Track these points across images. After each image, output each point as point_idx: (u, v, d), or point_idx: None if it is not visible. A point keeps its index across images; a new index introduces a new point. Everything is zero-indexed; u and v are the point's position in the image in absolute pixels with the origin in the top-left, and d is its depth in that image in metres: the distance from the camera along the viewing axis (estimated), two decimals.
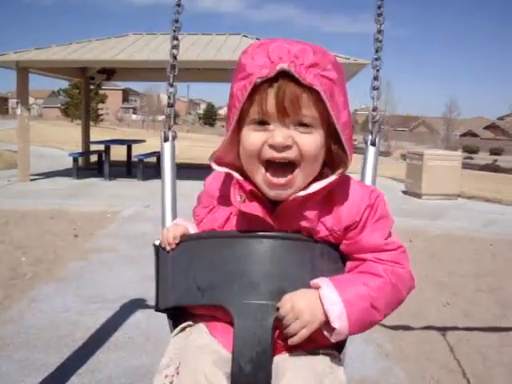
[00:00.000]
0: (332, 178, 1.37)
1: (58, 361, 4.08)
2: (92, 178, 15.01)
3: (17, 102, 13.98)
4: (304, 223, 1.40)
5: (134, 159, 15.92)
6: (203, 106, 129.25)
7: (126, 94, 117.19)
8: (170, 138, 2.09)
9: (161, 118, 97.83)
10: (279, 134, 1.30)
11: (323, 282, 1.35)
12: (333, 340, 1.37)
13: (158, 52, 13.80)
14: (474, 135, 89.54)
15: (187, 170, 16.92)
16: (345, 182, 1.45)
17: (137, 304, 5.31)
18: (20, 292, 5.59)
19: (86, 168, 16.80)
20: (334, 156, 1.40)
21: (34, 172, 14.42)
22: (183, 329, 1.57)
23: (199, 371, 1.31)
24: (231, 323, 1.36)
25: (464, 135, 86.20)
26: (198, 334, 1.47)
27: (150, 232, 8.59)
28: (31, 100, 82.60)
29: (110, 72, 18.05)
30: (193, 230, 1.62)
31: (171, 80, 2.15)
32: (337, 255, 1.46)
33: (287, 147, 1.31)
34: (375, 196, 1.46)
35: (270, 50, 1.29)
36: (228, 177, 1.49)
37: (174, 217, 1.94)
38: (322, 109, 1.31)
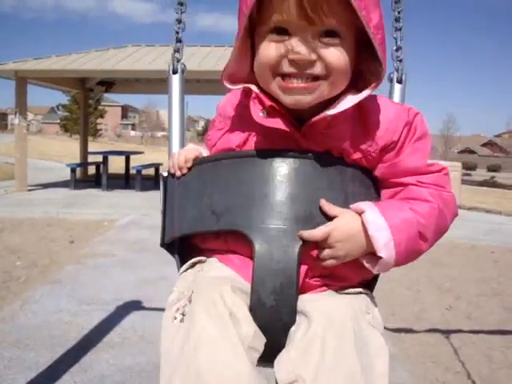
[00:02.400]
0: (366, 93, 1.21)
1: (50, 360, 3.95)
2: (90, 188, 14.91)
3: (15, 113, 13.92)
4: (335, 143, 1.24)
5: (131, 171, 15.86)
6: (202, 123, 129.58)
7: (125, 111, 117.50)
8: (179, 71, 1.96)
9: (160, 134, 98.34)
10: (301, 46, 1.11)
11: (367, 206, 1.21)
12: (375, 271, 1.25)
13: (158, 62, 13.80)
14: (472, 152, 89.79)
15: None
16: (378, 99, 1.31)
17: (132, 306, 5.19)
18: (13, 294, 5.46)
19: (83, 179, 16.72)
20: (365, 66, 1.24)
21: (31, 183, 14.31)
22: (193, 265, 1.40)
23: (217, 296, 1.14)
24: (250, 257, 1.21)
25: (462, 152, 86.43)
26: (213, 266, 1.31)
27: (147, 239, 8.50)
28: (30, 116, 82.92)
29: (109, 84, 18.04)
30: (206, 154, 1.47)
31: (180, 11, 1.95)
32: (370, 182, 1.32)
33: (311, 63, 1.14)
34: (413, 113, 1.32)
35: None
36: (244, 96, 1.33)
37: (182, 146, 1.77)
38: (350, 12, 1.11)
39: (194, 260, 1.39)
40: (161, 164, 16.95)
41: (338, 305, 1.20)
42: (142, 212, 10.98)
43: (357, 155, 1.27)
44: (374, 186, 1.33)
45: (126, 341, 4.39)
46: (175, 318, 1.23)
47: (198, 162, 1.39)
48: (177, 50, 1.96)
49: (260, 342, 1.16)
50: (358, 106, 1.22)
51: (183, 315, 1.20)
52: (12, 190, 13.56)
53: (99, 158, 15.62)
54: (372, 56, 1.20)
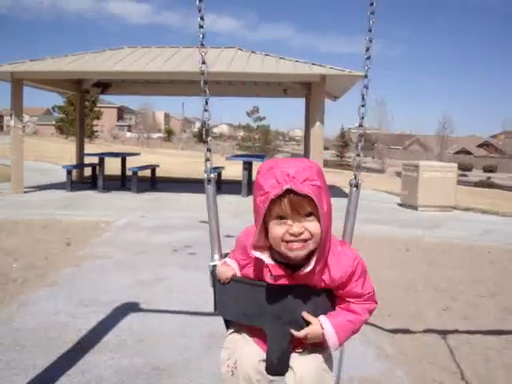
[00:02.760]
0: (315, 257, 1.97)
1: (47, 362, 3.95)
2: (86, 190, 14.88)
3: (11, 114, 13.90)
4: (310, 280, 2.05)
5: (128, 172, 15.83)
6: (198, 125, 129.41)
7: (121, 112, 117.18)
8: (212, 181, 2.49)
9: (156, 135, 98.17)
10: (296, 226, 1.91)
11: (325, 324, 2.06)
12: (327, 349, 2.17)
13: (153, 63, 13.80)
14: (468, 153, 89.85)
15: (182, 184, 16.94)
16: (335, 250, 2.07)
17: (129, 307, 5.20)
18: (10, 296, 5.46)
19: (80, 181, 16.68)
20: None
21: (27, 185, 14.28)
22: (233, 332, 2.26)
23: (249, 368, 2.13)
24: (263, 333, 2.13)
25: (458, 153, 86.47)
26: (245, 341, 2.20)
27: (144, 240, 8.51)
28: (26, 117, 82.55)
29: (104, 85, 18.04)
30: (237, 271, 2.22)
31: (207, 128, 2.57)
32: (331, 297, 2.13)
33: (301, 233, 1.92)
34: (356, 263, 2.08)
35: (277, 174, 1.90)
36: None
37: (219, 249, 2.43)
38: (315, 205, 1.89)
39: (234, 329, 2.27)
40: (157, 165, 16.94)
41: (309, 362, 2.12)
42: (138, 213, 10.98)
43: (322, 286, 2.08)
44: (330, 299, 2.13)
45: (124, 343, 4.39)
46: (228, 372, 2.18)
47: (235, 279, 2.19)
48: (208, 159, 2.52)
49: None
50: (323, 258, 2.01)
51: (233, 373, 2.16)
52: (8, 191, 13.52)
53: (95, 160, 15.59)
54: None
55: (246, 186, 14.38)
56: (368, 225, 10.14)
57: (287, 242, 1.94)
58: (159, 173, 17.35)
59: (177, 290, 5.90)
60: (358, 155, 2.50)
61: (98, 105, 65.97)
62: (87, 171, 17.36)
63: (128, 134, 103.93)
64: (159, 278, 6.33)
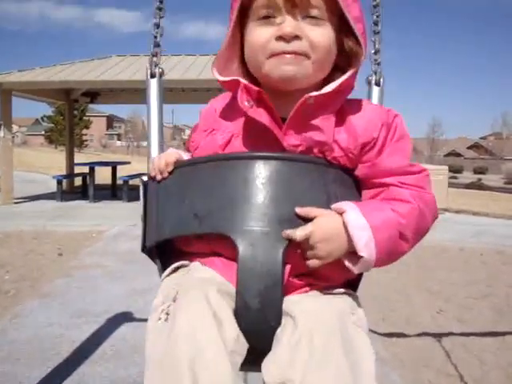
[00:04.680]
0: (348, 74, 1.28)
1: (42, 374, 3.92)
2: (77, 200, 14.83)
3: (0, 125, 13.84)
4: (317, 136, 1.26)
5: (118, 181, 15.80)
6: (188, 132, 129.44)
7: (111, 121, 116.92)
8: (157, 75, 2.00)
9: (145, 143, 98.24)
10: (288, 23, 1.21)
11: (348, 206, 1.22)
12: (356, 271, 1.27)
13: (142, 72, 13.72)
14: (458, 155, 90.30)
15: None
16: (358, 101, 1.36)
17: (123, 317, 5.17)
18: (2, 308, 5.42)
19: (70, 191, 16.63)
20: (347, 53, 1.31)
21: (17, 196, 14.21)
22: (176, 269, 1.39)
23: (202, 296, 1.15)
24: (233, 259, 1.20)
25: (448, 155, 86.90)
26: (197, 269, 1.32)
27: (136, 249, 8.41)
28: (15, 128, 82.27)
29: (93, 94, 18.01)
30: (187, 157, 1.48)
31: (158, 16, 1.97)
32: (352, 182, 1.33)
33: (297, 37, 1.22)
34: (393, 114, 1.37)
35: None
36: (228, 98, 1.41)
37: (162, 151, 1.76)
38: (333, 2, 1.24)
39: (176, 264, 1.39)
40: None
41: (323, 306, 1.22)
42: (130, 222, 10.93)
43: (337, 153, 1.29)
44: (355, 186, 1.34)
45: (118, 353, 4.37)
46: (159, 319, 1.22)
47: (179, 165, 1.39)
48: (154, 55, 1.97)
49: (242, 347, 1.17)
50: (340, 106, 1.29)
51: (167, 314, 1.20)
52: None
53: (85, 169, 15.55)
54: (355, 44, 1.30)
55: None
56: None
57: (273, 54, 1.25)
58: None
59: None
60: (377, 32, 1.86)
61: (87, 114, 65.83)
62: (77, 181, 17.31)
63: (118, 143, 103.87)
64: (152, 287, 6.26)
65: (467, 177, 62.35)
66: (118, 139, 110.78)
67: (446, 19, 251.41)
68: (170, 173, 1.41)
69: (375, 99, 1.85)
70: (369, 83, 1.88)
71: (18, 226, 10.27)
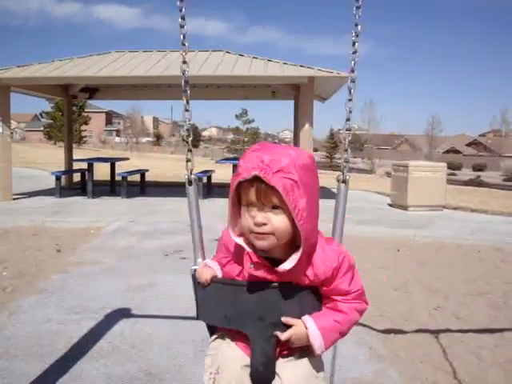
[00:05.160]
0: (299, 254, 1.88)
1: (40, 370, 3.93)
2: (75, 196, 14.82)
3: None
4: (294, 277, 1.94)
5: (117, 177, 15.78)
6: (185, 127, 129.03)
7: (110, 117, 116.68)
8: (193, 183, 2.38)
9: (145, 139, 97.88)
10: (258, 216, 1.85)
11: (309, 323, 1.94)
12: (315, 353, 2.00)
13: (141, 68, 13.77)
14: (457, 152, 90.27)
15: (172, 188, 16.92)
16: (320, 246, 1.97)
17: (121, 313, 5.18)
18: (0, 304, 5.42)
19: (69, 187, 16.61)
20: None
21: (16, 192, 14.21)
22: (217, 337, 2.14)
23: (232, 376, 1.98)
24: (247, 337, 1.99)
25: (447, 152, 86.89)
26: (229, 345, 2.07)
27: (134, 245, 8.48)
28: (14, 124, 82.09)
29: (92, 90, 17.98)
30: (219, 272, 2.12)
31: (187, 128, 2.48)
32: (317, 295, 2.02)
33: (264, 224, 1.84)
34: (342, 258, 1.98)
35: (253, 158, 1.84)
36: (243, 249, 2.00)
37: (203, 253, 2.40)
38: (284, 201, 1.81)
39: (217, 335, 2.14)
40: (146, 170, 16.91)
41: (298, 371, 1.99)
42: (128, 219, 10.95)
43: (307, 282, 1.96)
44: (317, 297, 2.02)
45: (116, 349, 4.37)
46: (210, 379, 2.03)
47: (215, 281, 2.08)
48: (189, 160, 2.38)
49: None
50: (308, 255, 1.92)
51: (215, 380, 2.02)
52: None
53: (84, 166, 15.53)
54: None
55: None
56: (358, 225, 10.18)
57: (252, 232, 1.87)
58: (149, 177, 17.32)
59: (168, 295, 5.88)
60: (346, 150, 2.42)
61: (86, 110, 65.71)
62: (76, 177, 17.31)
63: (117, 139, 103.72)
64: (150, 283, 6.31)
65: (466, 174, 62.41)
66: (117, 135, 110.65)
67: (446, 15, 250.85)
68: (209, 284, 2.09)
69: (341, 194, 2.40)
70: (338, 181, 2.42)
71: (17, 222, 10.27)
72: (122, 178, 14.74)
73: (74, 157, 18.01)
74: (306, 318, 1.95)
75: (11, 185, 13.80)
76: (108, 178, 16.72)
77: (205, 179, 15.41)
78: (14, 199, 13.72)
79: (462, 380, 4.04)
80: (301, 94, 14.02)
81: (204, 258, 2.33)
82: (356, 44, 2.46)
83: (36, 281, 6.34)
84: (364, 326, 4.94)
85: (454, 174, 53.77)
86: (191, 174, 2.37)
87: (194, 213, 2.39)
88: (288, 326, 1.95)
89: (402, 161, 16.22)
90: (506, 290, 6.39)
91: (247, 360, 2.00)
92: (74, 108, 41.57)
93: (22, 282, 6.27)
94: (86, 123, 63.46)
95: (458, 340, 4.80)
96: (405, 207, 13.21)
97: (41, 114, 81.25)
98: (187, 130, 2.46)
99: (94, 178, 14.97)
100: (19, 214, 11.47)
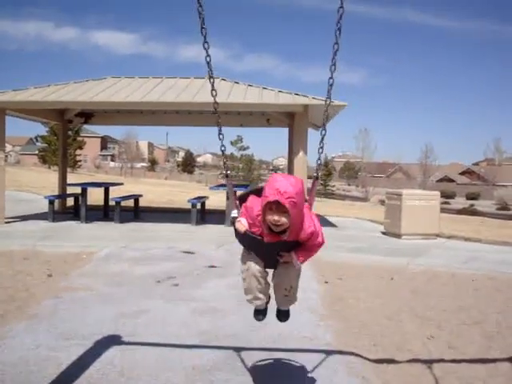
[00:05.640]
0: (287, 234, 3.34)
1: None
2: (68, 221, 14.75)
3: None
4: (288, 238, 3.35)
5: (111, 202, 15.74)
6: (182, 154, 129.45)
7: (105, 142, 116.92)
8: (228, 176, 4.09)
9: (139, 165, 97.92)
10: (275, 217, 3.21)
11: (294, 256, 3.48)
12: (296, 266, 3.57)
13: (136, 94, 13.82)
14: (451, 180, 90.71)
15: (166, 214, 16.90)
16: (307, 217, 3.43)
17: (111, 340, 5.11)
18: None
19: (62, 212, 16.55)
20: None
21: (8, 215, 14.12)
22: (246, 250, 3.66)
23: (255, 268, 3.56)
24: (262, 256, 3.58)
25: (440, 180, 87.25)
26: (252, 256, 3.57)
27: (126, 271, 8.42)
28: (8, 147, 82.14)
29: (88, 115, 18.02)
30: (247, 226, 3.49)
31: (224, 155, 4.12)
32: (297, 245, 3.45)
33: (278, 221, 3.23)
34: (317, 229, 3.44)
35: (275, 187, 3.16)
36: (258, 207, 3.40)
37: (236, 205, 3.75)
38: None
39: (248, 250, 3.67)
40: (140, 195, 16.89)
41: (285, 268, 3.62)
42: (121, 244, 10.89)
43: (294, 238, 3.37)
44: (297, 245, 3.45)
45: (105, 377, 4.31)
46: (244, 254, 3.64)
47: (247, 234, 3.46)
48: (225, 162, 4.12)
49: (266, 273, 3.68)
50: (297, 229, 3.39)
51: (249, 253, 3.60)
52: None
53: (78, 190, 15.49)
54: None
55: (229, 215, 14.35)
56: (352, 253, 10.13)
57: (273, 224, 3.27)
58: (142, 203, 17.28)
59: (160, 322, 5.82)
60: (321, 148, 3.74)
61: (82, 134, 65.83)
62: (70, 201, 17.25)
63: (111, 164, 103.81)
64: (142, 310, 6.25)
65: (459, 202, 62.59)
66: (112, 160, 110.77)
67: (439, 46, 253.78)
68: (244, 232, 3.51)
69: (314, 189, 3.76)
70: (312, 177, 3.86)
71: (8, 246, 10.20)
72: (116, 203, 14.70)
73: (68, 181, 17.97)
74: (292, 253, 3.49)
75: (4, 208, 13.74)
76: (102, 202, 16.70)
77: (199, 205, 15.37)
78: (6, 223, 13.64)
79: None
80: (295, 122, 14.10)
81: (237, 208, 3.68)
82: (329, 92, 3.72)
83: (26, 306, 6.26)
84: (356, 355, 4.90)
85: (447, 203, 53.91)
86: (227, 170, 4.05)
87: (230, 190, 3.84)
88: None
89: (396, 189, 16.23)
90: (499, 320, 6.36)
91: (262, 264, 3.60)
92: (70, 132, 41.62)
93: (12, 306, 6.20)
94: (80, 148, 63.48)
95: (452, 370, 4.75)
96: (398, 235, 13.21)
97: (36, 138, 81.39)
98: (222, 151, 4.12)
99: (88, 203, 14.92)
100: (11, 237, 11.40)
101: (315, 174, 3.75)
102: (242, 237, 3.51)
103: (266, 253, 3.48)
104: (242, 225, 3.50)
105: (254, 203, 3.44)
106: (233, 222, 3.60)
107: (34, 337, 5.17)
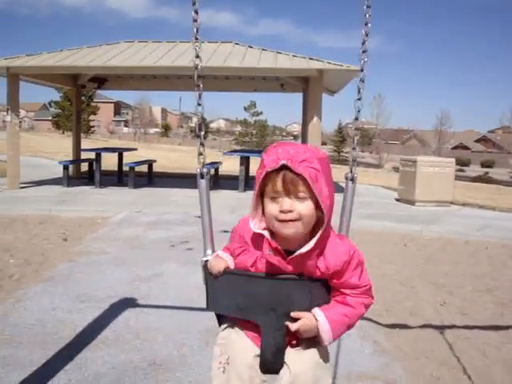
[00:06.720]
0: (317, 236, 1.97)
1: (44, 358, 3.94)
2: (82, 186, 14.84)
3: (7, 109, 13.82)
4: (306, 267, 2.03)
5: (125, 168, 15.80)
6: (195, 120, 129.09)
7: (118, 107, 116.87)
8: (205, 176, 2.42)
9: (153, 130, 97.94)
10: (285, 203, 1.94)
11: (319, 316, 2.02)
12: (323, 344, 2.09)
13: (150, 58, 13.74)
14: (466, 148, 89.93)
15: (179, 180, 16.92)
16: (333, 240, 2.06)
17: (126, 302, 5.18)
18: (6, 292, 5.44)
19: (76, 177, 16.64)
20: (318, 219, 2.00)
21: (23, 181, 14.24)
22: (226, 327, 2.19)
23: (243, 364, 2.06)
24: (257, 327, 2.07)
25: (455, 148, 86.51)
26: (238, 335, 2.13)
27: (141, 235, 8.48)
28: (22, 113, 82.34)
29: (101, 80, 17.96)
30: (231, 263, 2.16)
31: (199, 122, 2.52)
32: (326, 287, 2.09)
33: (291, 211, 1.93)
34: (352, 252, 2.07)
35: (278, 152, 1.96)
36: (256, 233, 2.07)
37: (212, 245, 2.39)
38: (310, 187, 1.92)
39: (226, 324, 2.19)
40: (154, 161, 16.92)
41: (305, 362, 2.06)
42: (135, 209, 10.95)
43: (318, 274, 2.05)
44: (326, 290, 2.10)
45: (121, 338, 4.37)
46: (219, 368, 2.09)
47: (228, 272, 2.13)
48: (201, 153, 2.43)
49: None
50: (321, 245, 2.01)
51: (224, 369, 2.08)
52: (4, 187, 13.48)
53: (92, 155, 15.54)
54: (321, 215, 1.98)
55: (243, 181, 14.39)
56: (365, 220, 10.14)
57: (279, 220, 1.96)
58: (156, 168, 17.32)
59: (174, 285, 5.88)
60: (354, 149, 2.50)
61: (95, 100, 65.88)
62: (84, 167, 17.33)
63: (125, 130, 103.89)
64: (156, 273, 6.31)
65: (474, 170, 62.20)
66: (125, 126, 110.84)
67: (458, 12, 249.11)
68: (221, 275, 2.14)
69: (349, 192, 2.46)
70: (346, 178, 2.47)
71: (24, 211, 10.30)
72: (130, 168, 14.74)
73: (82, 146, 18.02)
74: (317, 311, 2.04)
75: (19, 173, 13.84)
76: (115, 168, 16.75)
77: (212, 171, 15.38)
78: (22, 188, 13.75)
79: (467, 376, 4.01)
80: (310, 87, 13.96)
81: (214, 250, 2.34)
82: (366, 43, 2.50)
83: (42, 269, 6.35)
84: (369, 320, 4.92)
85: (462, 171, 53.58)
86: (203, 167, 2.43)
87: (204, 205, 2.43)
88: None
89: (411, 156, 16.11)
90: None
91: (257, 350, 2.09)
92: (83, 98, 41.61)
93: (29, 270, 6.28)
94: (94, 113, 63.68)
95: (464, 336, 4.78)
96: (412, 202, 13.16)
97: (49, 104, 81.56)
98: (199, 124, 2.50)
99: (102, 168, 14.98)
100: (26, 202, 11.50)
101: (349, 173, 2.48)
102: (217, 283, 2.14)
103: (264, 313, 2.04)
104: (219, 259, 2.17)
105: (246, 221, 2.11)
106: (204, 266, 2.21)
107: (50, 299, 5.25)
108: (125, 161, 16.32)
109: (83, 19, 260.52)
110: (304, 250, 1.97)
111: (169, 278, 6.18)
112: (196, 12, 2.51)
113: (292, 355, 2.07)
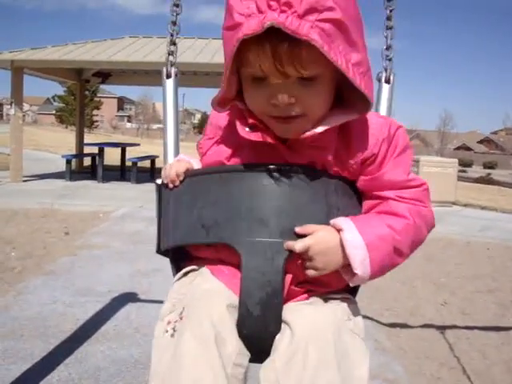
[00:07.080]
0: (351, 117, 1.26)
1: (45, 351, 3.93)
2: (85, 180, 14.86)
3: (11, 103, 13.85)
4: (319, 155, 1.28)
5: (127, 163, 15.82)
6: (198, 116, 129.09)
7: (121, 103, 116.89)
8: (173, 75, 2.00)
9: (156, 126, 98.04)
10: (281, 94, 1.17)
11: (345, 224, 1.24)
12: (351, 284, 1.29)
13: (154, 53, 13.73)
14: (468, 149, 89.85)
15: None
16: (360, 120, 1.32)
17: (127, 297, 5.18)
18: (7, 285, 5.44)
19: (79, 171, 16.66)
20: (350, 92, 1.24)
21: (26, 174, 14.26)
22: (186, 273, 1.45)
23: (205, 316, 1.21)
24: (238, 266, 1.26)
25: (458, 149, 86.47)
26: (204, 278, 1.35)
27: (142, 231, 8.48)
28: (26, 106, 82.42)
29: (105, 75, 17.97)
30: (197, 165, 1.51)
31: (175, 13, 2.04)
32: (352, 192, 1.34)
33: (290, 104, 1.19)
34: (395, 127, 1.34)
35: None
36: (233, 112, 1.35)
37: (177, 154, 1.86)
38: (326, 59, 1.11)
39: (186, 269, 1.45)
40: (157, 156, 16.93)
41: (320, 317, 1.24)
42: (137, 204, 10.96)
43: (338, 167, 1.30)
44: (356, 196, 1.36)
45: (121, 332, 4.37)
46: (166, 332, 1.28)
47: (189, 174, 1.43)
48: (171, 53, 2.00)
49: (244, 357, 1.24)
50: (347, 124, 1.29)
51: (174, 330, 1.26)
52: (7, 180, 13.50)
53: (95, 150, 15.55)
54: (353, 93, 1.24)
55: None
56: None
57: (272, 117, 1.23)
58: (159, 163, 17.32)
59: None
60: (390, 27, 1.87)
61: (99, 95, 65.91)
62: (87, 161, 17.34)
63: (128, 125, 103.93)
64: (157, 268, 6.29)
65: (476, 171, 62.08)
66: (129, 121, 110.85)
67: (462, 12, 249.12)
68: (182, 181, 1.45)
69: (385, 97, 1.84)
70: (379, 80, 1.86)
71: (26, 204, 10.30)
72: (133, 163, 14.76)
73: (85, 141, 18.04)
74: (340, 219, 1.26)
75: (22, 167, 13.85)
76: (118, 163, 16.76)
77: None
78: (24, 181, 13.77)
79: (467, 377, 4.01)
80: None
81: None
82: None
83: (44, 262, 6.35)
84: (370, 319, 4.92)
85: (464, 171, 53.47)
86: (171, 66, 2.00)
87: (170, 111, 1.98)
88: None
89: (413, 156, 16.08)
90: None
91: (233, 297, 1.27)
92: (87, 92, 41.60)
93: (30, 263, 6.28)
94: (97, 108, 63.72)
95: (464, 337, 4.78)
96: None
97: (53, 98, 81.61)
98: (173, 22, 2.04)
99: (105, 163, 15.01)
100: (28, 195, 11.51)
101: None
102: (174, 199, 1.48)
103: (248, 230, 1.27)
104: (179, 161, 1.53)
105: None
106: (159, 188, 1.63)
107: (51, 293, 5.25)
108: (128, 156, 16.34)
109: (88, 14, 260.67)
110: (319, 129, 1.23)
111: (170, 272, 6.16)
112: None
113: (297, 311, 1.26)
